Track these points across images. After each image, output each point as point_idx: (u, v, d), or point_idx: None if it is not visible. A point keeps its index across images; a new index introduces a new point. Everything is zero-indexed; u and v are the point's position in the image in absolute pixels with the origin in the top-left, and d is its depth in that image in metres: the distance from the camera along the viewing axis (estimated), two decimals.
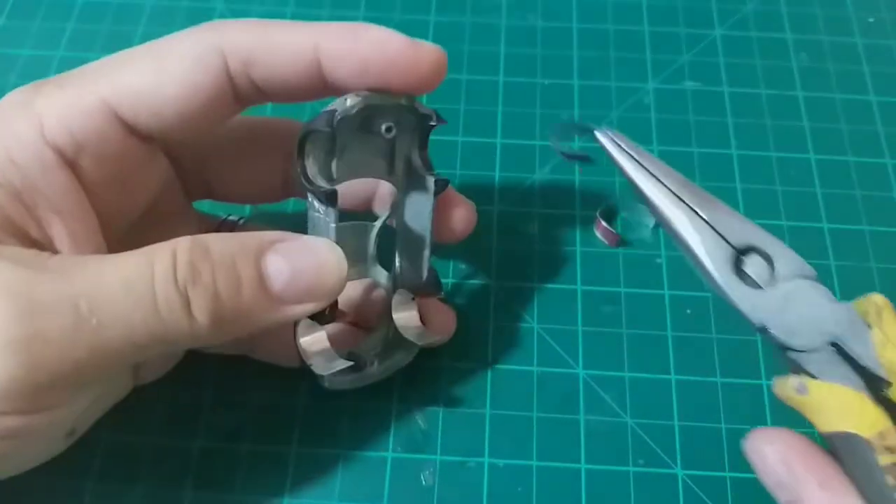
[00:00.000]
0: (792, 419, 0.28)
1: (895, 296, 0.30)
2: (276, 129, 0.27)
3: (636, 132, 0.34)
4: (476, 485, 0.27)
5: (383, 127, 0.23)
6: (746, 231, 0.23)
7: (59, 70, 0.35)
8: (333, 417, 0.28)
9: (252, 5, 0.38)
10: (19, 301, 0.18)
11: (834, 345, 0.21)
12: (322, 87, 0.22)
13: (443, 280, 0.29)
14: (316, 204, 0.23)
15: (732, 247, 0.23)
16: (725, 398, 0.28)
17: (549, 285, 0.31)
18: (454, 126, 0.34)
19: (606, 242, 0.32)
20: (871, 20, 0.38)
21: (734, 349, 0.29)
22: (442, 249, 0.31)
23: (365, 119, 0.23)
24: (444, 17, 0.38)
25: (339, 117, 0.22)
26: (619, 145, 0.24)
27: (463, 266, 0.31)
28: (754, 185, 0.33)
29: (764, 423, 0.28)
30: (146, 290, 0.19)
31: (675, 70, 0.36)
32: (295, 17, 0.38)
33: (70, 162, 0.21)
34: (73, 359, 0.19)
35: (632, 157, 0.24)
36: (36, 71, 0.36)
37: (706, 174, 0.33)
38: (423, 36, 0.37)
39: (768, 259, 0.23)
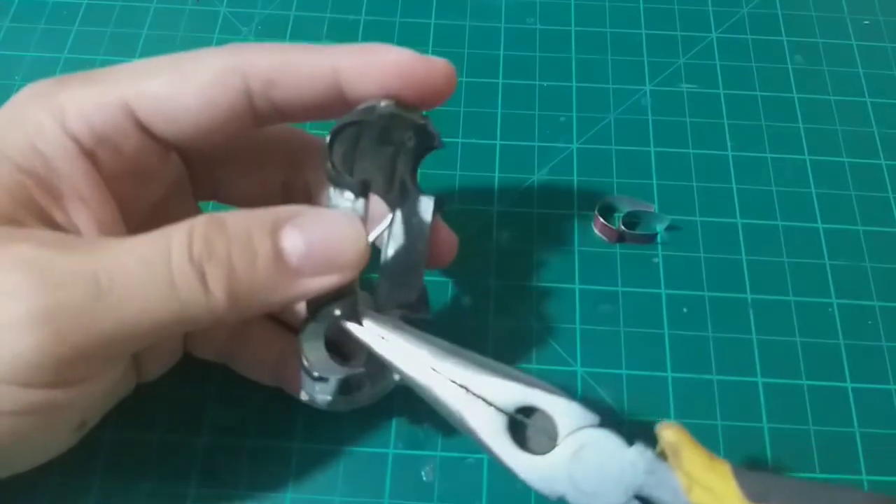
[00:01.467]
0: (791, 418, 0.28)
1: (892, 295, 0.31)
2: (279, 137, 0.27)
3: (633, 134, 0.35)
4: (476, 481, 0.27)
5: (406, 136, 0.24)
6: (516, 391, 0.21)
7: (64, 72, 0.36)
8: (336, 414, 0.28)
9: (256, 9, 0.39)
10: (43, 274, 0.19)
11: (640, 498, 0.20)
12: (342, 105, 0.23)
13: (443, 279, 0.29)
14: (345, 195, 0.22)
15: (505, 412, 0.21)
16: (721, 395, 0.29)
17: (548, 284, 0.31)
18: (454, 127, 0.35)
19: (605, 239, 0.32)
20: (866, 22, 0.39)
21: (730, 347, 0.30)
22: None
23: (384, 129, 0.23)
24: (445, 20, 0.38)
25: (379, 111, 0.22)
26: (378, 334, 0.22)
27: (463, 265, 0.32)
28: (750, 185, 0.33)
29: (759, 420, 0.28)
30: (163, 265, 0.19)
31: (672, 72, 0.37)
32: (297, 19, 0.38)
33: (88, 153, 0.21)
34: (96, 331, 0.19)
35: (386, 338, 0.22)
36: (40, 73, 0.36)
37: (702, 175, 0.34)
38: (424, 39, 0.38)
39: (547, 416, 0.21)
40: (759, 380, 0.29)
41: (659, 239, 0.32)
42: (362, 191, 0.22)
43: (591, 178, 0.34)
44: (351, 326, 0.22)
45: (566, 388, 0.28)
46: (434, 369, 0.21)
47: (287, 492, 0.27)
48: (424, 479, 0.27)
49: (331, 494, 0.27)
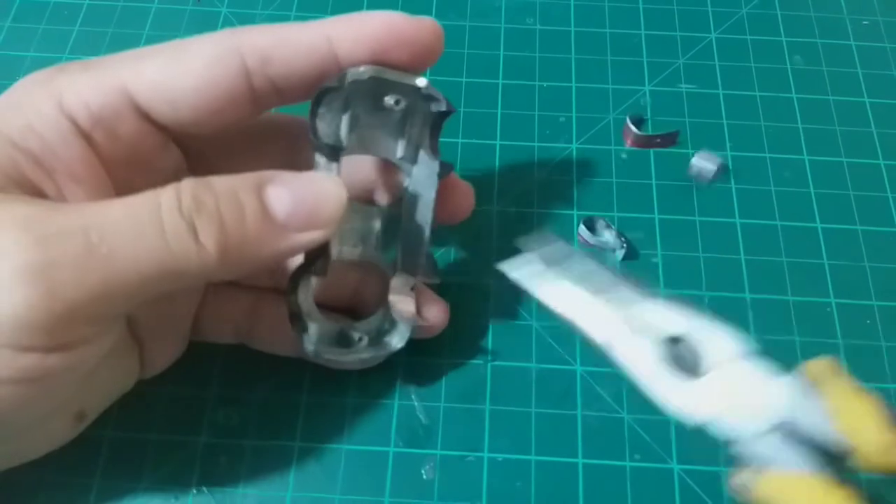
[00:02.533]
0: None
1: (891, 295, 0.31)
2: (277, 125, 0.27)
3: None
4: (476, 479, 0.27)
5: (393, 100, 0.24)
6: (668, 320, 0.22)
7: None
8: (336, 413, 0.28)
9: (256, 9, 0.39)
10: (33, 230, 0.19)
11: (784, 425, 0.20)
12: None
13: (443, 279, 0.29)
14: (321, 162, 0.24)
15: (656, 340, 0.22)
16: None
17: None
18: (454, 128, 0.35)
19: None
20: (865, 23, 0.39)
21: None
22: (443, 249, 0.32)
23: (378, 93, 0.24)
24: (445, 20, 0.38)
25: (350, 79, 0.23)
26: (532, 270, 0.23)
27: (463, 265, 0.32)
28: (749, 186, 0.34)
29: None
30: (152, 217, 0.20)
31: (672, 73, 0.37)
32: (297, 20, 0.38)
33: (85, 135, 0.22)
34: (88, 286, 0.19)
35: (546, 275, 0.23)
36: None
37: None
38: None
39: (700, 345, 0.21)
40: None
41: (658, 239, 0.32)
42: (332, 155, 0.23)
43: (590, 178, 0.34)
44: (504, 266, 0.25)
45: (568, 385, 0.29)
46: (584, 302, 0.22)
47: (287, 491, 0.27)
48: (425, 477, 0.27)
49: (331, 493, 0.27)
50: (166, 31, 0.38)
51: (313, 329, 0.25)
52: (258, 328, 0.28)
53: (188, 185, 0.20)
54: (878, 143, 0.35)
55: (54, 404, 0.22)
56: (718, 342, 0.21)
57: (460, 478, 0.27)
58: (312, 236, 0.22)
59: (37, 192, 0.21)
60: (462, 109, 0.36)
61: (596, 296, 0.22)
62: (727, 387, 0.20)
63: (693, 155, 0.33)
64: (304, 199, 0.22)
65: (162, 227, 0.20)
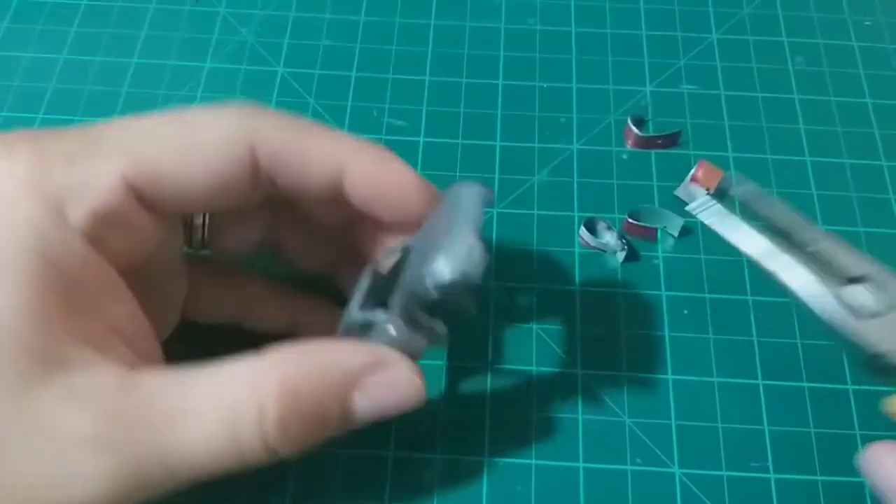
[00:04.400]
0: (792, 420, 0.28)
1: None
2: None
3: None
4: (476, 483, 0.27)
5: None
6: (854, 262, 0.23)
7: (62, 74, 0.36)
8: None
9: (255, 9, 0.38)
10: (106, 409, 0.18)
11: None
12: (333, 201, 0.23)
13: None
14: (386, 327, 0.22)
15: (838, 279, 0.23)
16: (722, 398, 0.29)
17: (548, 286, 0.31)
18: (454, 129, 0.35)
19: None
20: (867, 23, 0.39)
21: (730, 350, 0.30)
22: None
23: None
24: (444, 20, 0.38)
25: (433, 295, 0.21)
26: (717, 215, 0.25)
27: None
28: None
29: (760, 423, 0.28)
30: (233, 452, 0.19)
31: (673, 73, 0.37)
32: (296, 20, 0.38)
33: (93, 240, 0.20)
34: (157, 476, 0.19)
35: (730, 219, 0.25)
36: (39, 74, 0.36)
37: None
38: (424, 39, 0.37)
39: (881, 287, 0.23)
40: (760, 382, 0.29)
41: (659, 241, 0.32)
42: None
43: (591, 179, 0.34)
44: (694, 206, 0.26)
45: (569, 388, 0.29)
46: (769, 249, 0.24)
47: (286, 498, 0.27)
48: (424, 481, 0.27)
49: (329, 498, 0.27)
50: (164, 31, 0.38)
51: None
52: (251, 311, 0.27)
53: (274, 406, 0.19)
54: (880, 145, 0.35)
55: None
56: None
57: (461, 482, 0.27)
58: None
59: (77, 334, 0.19)
60: (462, 110, 0.35)
61: (783, 239, 0.24)
62: None
63: (695, 162, 0.33)
64: (384, 406, 0.21)
65: (243, 457, 0.19)
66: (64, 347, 0.18)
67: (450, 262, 0.20)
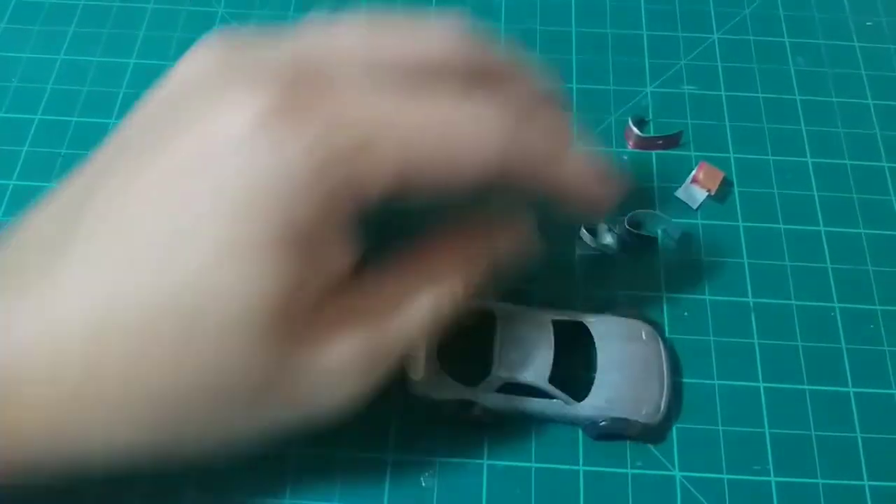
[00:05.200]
0: (793, 422, 0.28)
1: (894, 299, 0.31)
2: None
3: None
4: (475, 486, 0.27)
5: None
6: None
7: (60, 74, 0.36)
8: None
9: (253, 9, 0.38)
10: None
11: None
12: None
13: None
14: None
15: None
16: (723, 400, 0.28)
17: (549, 288, 0.31)
18: None
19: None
20: (868, 24, 0.39)
21: (731, 352, 0.29)
22: None
23: None
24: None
25: None
26: None
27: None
28: (752, 188, 0.33)
29: (761, 426, 0.28)
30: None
31: (674, 74, 0.37)
32: (295, 21, 0.38)
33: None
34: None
35: None
36: (38, 74, 0.36)
37: None
38: None
39: None
40: (761, 385, 0.29)
41: (659, 243, 0.32)
42: None
43: None
44: None
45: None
46: None
47: (284, 499, 0.27)
48: (423, 484, 0.27)
49: (329, 501, 0.27)
50: (162, 31, 0.38)
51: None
52: None
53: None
54: (881, 146, 0.35)
55: None
56: None
57: (460, 485, 0.27)
58: None
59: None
60: None
61: None
62: None
63: (696, 164, 0.33)
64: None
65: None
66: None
67: None
